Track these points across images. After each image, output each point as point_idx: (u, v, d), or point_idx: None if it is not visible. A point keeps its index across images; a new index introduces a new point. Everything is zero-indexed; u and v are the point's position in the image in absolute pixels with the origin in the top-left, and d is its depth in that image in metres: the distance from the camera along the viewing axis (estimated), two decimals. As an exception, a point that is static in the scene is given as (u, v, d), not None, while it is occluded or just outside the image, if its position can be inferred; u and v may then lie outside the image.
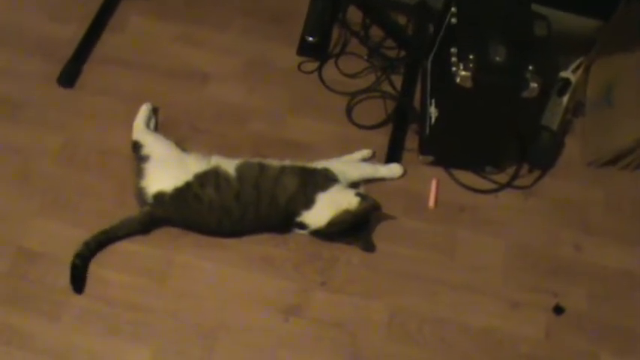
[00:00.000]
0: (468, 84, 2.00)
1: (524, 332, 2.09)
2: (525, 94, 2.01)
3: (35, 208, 2.20)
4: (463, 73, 2.00)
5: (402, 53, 2.56)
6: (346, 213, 2.09)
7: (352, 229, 2.13)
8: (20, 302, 2.05)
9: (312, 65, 2.54)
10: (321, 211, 2.11)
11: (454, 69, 2.03)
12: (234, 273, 2.13)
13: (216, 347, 2.02)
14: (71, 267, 2.06)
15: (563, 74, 2.46)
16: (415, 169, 2.33)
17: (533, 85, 1.99)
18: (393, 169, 2.31)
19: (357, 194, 2.11)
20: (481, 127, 2.18)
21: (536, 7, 2.18)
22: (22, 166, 2.27)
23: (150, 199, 2.11)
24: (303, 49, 2.57)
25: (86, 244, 2.09)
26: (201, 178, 2.11)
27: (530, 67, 2.01)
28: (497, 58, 2.03)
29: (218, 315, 2.07)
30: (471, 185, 2.31)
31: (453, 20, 2.17)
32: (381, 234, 2.20)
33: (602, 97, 2.43)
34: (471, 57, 2.01)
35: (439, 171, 2.34)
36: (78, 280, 2.07)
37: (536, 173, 2.36)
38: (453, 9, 2.19)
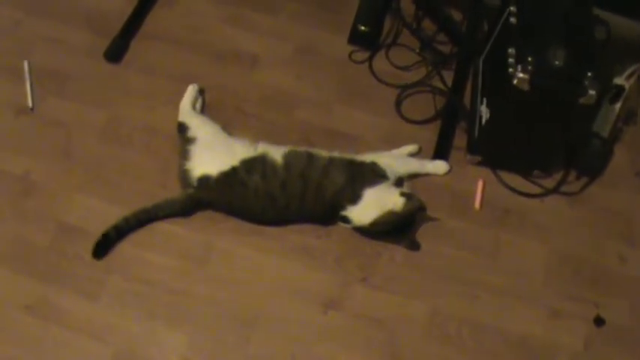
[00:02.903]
0: (525, 87, 1.96)
1: (563, 342, 2.07)
2: (583, 100, 1.96)
3: (77, 184, 2.20)
4: (521, 75, 1.96)
5: (455, 49, 2.50)
6: (391, 214, 2.07)
7: (396, 229, 2.10)
8: (59, 278, 2.05)
9: (362, 55, 2.50)
10: (367, 208, 2.09)
11: (511, 70, 1.99)
12: (274, 262, 2.12)
13: (253, 336, 2.01)
14: (103, 234, 2.06)
15: (617, 81, 2.40)
16: (462, 167, 2.30)
17: (592, 92, 1.95)
18: (439, 166, 2.29)
19: (403, 194, 2.08)
20: (533, 130, 2.14)
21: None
22: (65, 141, 2.26)
23: (194, 182, 2.09)
24: (355, 37, 2.52)
25: (125, 219, 2.09)
26: (248, 165, 2.08)
27: (589, 74, 1.96)
28: (557, 62, 1.98)
29: (256, 303, 2.06)
30: (518, 188, 2.28)
31: (512, 19, 2.12)
32: (424, 233, 2.18)
33: (655, 106, 2.39)
34: (529, 59, 1.97)
35: (486, 171, 2.30)
36: (103, 247, 2.08)
37: (583, 180, 2.32)
38: (512, 8, 2.14)
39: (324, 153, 2.14)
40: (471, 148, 2.31)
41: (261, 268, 2.11)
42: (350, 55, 2.50)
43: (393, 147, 2.29)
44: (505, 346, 2.05)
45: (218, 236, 2.14)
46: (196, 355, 1.98)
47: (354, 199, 2.09)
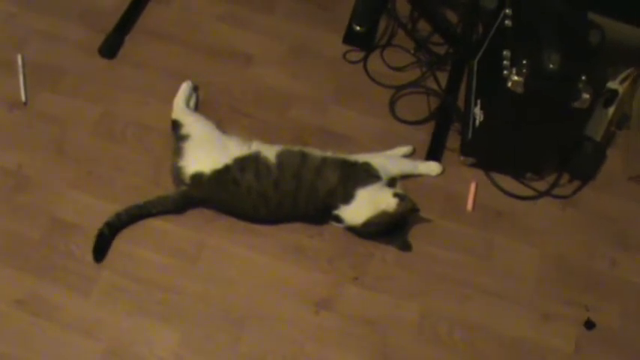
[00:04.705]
0: (520, 89, 1.96)
1: (554, 345, 2.07)
2: (577, 104, 1.97)
3: (69, 179, 2.19)
4: (515, 78, 1.96)
5: (449, 50, 2.50)
6: (384, 214, 2.06)
7: (389, 229, 2.10)
8: (50, 273, 2.05)
9: (356, 55, 2.50)
10: (359, 208, 2.08)
11: (506, 73, 2.00)
12: (266, 261, 2.11)
13: (244, 335, 2.01)
14: (97, 234, 2.06)
15: (611, 85, 2.41)
16: (455, 169, 2.31)
17: (585, 96, 1.95)
18: (431, 167, 2.29)
19: (396, 195, 2.08)
20: (527, 133, 2.14)
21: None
22: (58, 136, 2.26)
23: (187, 180, 2.09)
24: (350, 37, 2.53)
25: (118, 215, 2.08)
26: (242, 163, 2.08)
27: (583, 78, 1.97)
28: (551, 66, 1.98)
29: (247, 302, 2.05)
30: (511, 190, 2.28)
31: (507, 22, 2.13)
32: (417, 234, 2.18)
33: (648, 110, 2.39)
34: (524, 62, 1.97)
35: (479, 173, 2.31)
36: (101, 249, 2.07)
37: (576, 184, 2.33)
38: (508, 11, 2.14)
39: (317, 152, 2.14)
40: (465, 149, 2.31)
41: (253, 267, 2.10)
42: (345, 55, 2.50)
43: (387, 147, 2.29)
44: (496, 348, 2.05)
45: (210, 234, 2.13)
46: (187, 353, 1.97)
47: (347, 198, 2.08)
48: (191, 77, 2.33)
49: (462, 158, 2.31)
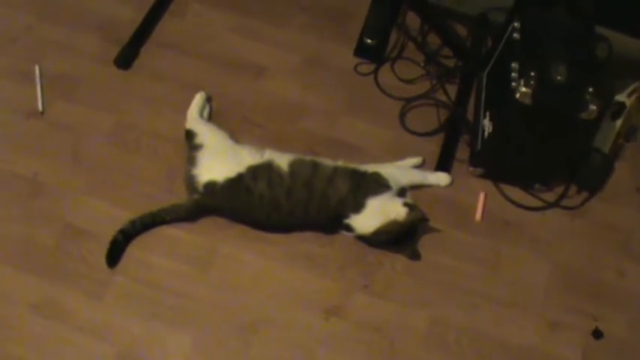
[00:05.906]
0: (528, 101, 1.99)
1: (561, 354, 2.09)
2: (584, 115, 1.99)
3: (84, 187, 2.22)
4: (523, 89, 1.98)
5: (459, 63, 2.53)
6: (394, 223, 2.09)
7: (398, 238, 2.12)
8: (64, 278, 2.08)
9: (367, 67, 2.53)
10: (370, 217, 2.11)
11: (514, 84, 2.02)
12: (277, 268, 2.14)
13: (255, 341, 2.03)
14: (111, 241, 2.09)
15: (618, 98, 2.43)
16: (464, 180, 2.33)
17: (592, 107, 1.98)
18: (441, 178, 2.31)
19: (406, 204, 2.10)
20: (535, 144, 2.17)
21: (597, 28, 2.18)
22: (74, 144, 2.29)
23: (200, 188, 2.12)
24: (361, 50, 2.56)
25: (132, 222, 2.11)
26: (254, 171, 2.11)
27: (591, 89, 1.99)
28: (559, 78, 2.01)
29: (258, 309, 2.08)
30: (519, 201, 2.30)
31: (516, 35, 2.16)
32: (426, 243, 2.20)
33: (656, 123, 2.41)
34: (532, 74, 2.00)
35: (487, 184, 2.33)
36: (114, 255, 2.10)
37: (584, 195, 2.34)
38: (516, 24, 2.17)
39: (329, 162, 2.17)
40: (473, 160, 2.33)
41: (264, 274, 2.13)
42: (356, 68, 2.52)
43: (397, 158, 2.32)
44: (504, 357, 2.07)
45: (223, 241, 2.16)
46: (198, 358, 2.00)
47: (358, 208, 2.11)
48: (204, 88, 2.36)
49: (470, 169, 2.33)
